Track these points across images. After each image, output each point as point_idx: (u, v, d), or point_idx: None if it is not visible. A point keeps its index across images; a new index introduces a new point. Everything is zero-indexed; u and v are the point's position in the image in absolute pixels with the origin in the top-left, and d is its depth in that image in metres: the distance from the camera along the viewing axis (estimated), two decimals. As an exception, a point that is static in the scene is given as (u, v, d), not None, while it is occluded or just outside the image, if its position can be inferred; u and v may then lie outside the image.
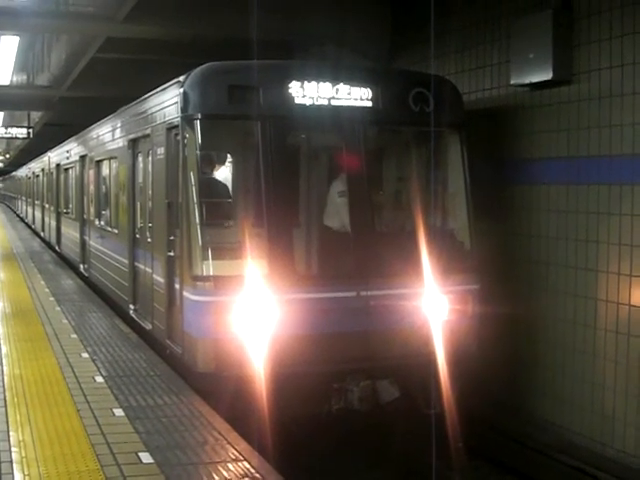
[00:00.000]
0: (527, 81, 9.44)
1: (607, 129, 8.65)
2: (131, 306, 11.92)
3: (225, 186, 9.56)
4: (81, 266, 18.32)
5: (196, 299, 8.35)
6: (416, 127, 9.26)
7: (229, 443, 6.68)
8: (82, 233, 18.27)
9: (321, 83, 8.74)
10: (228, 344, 8.08)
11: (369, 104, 8.91)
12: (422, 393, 8.63)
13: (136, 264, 11.72)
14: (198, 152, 8.47)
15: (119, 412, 7.51)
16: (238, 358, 8.00)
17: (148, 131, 10.61)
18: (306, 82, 8.67)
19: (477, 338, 9.13)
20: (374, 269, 8.62)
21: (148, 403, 7.84)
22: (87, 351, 10.13)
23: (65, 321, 12.29)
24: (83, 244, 18.15)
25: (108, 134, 14.60)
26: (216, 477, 5.92)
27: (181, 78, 8.81)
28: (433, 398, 8.39)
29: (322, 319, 8.39)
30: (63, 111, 25.19)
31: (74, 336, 11.11)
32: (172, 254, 9.28)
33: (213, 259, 8.28)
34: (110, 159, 14.47)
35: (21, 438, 6.69)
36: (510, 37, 9.81)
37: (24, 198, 44.93)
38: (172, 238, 9.29)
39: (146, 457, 6.28)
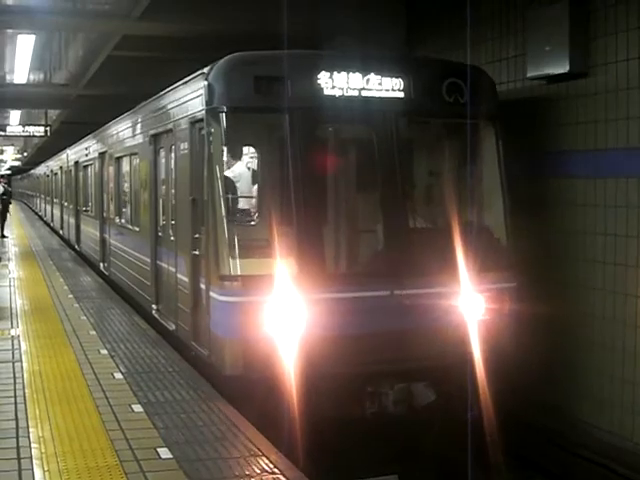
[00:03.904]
0: (544, 74, 9.37)
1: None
2: (153, 306, 11.65)
3: (252, 182, 9.33)
4: (101, 264, 18.13)
5: (224, 300, 8.04)
6: (450, 119, 8.92)
7: (247, 438, 6.70)
8: (102, 231, 18.05)
9: (351, 73, 8.41)
10: (257, 346, 7.76)
11: (401, 95, 8.58)
12: (458, 396, 8.23)
13: (158, 263, 11.45)
14: (224, 146, 8.21)
15: (138, 408, 7.54)
16: (267, 360, 7.68)
17: (170, 126, 10.35)
18: (335, 72, 8.36)
19: (514, 338, 8.74)
20: (408, 267, 8.28)
21: (167, 399, 7.87)
22: (106, 347, 10.18)
23: (84, 318, 12.35)
24: (103, 242, 17.93)
25: (128, 130, 14.42)
26: (234, 472, 5.94)
27: (205, 69, 8.53)
28: (470, 401, 8.03)
29: (354, 319, 8.05)
30: (80, 109, 25.28)
31: (93, 333, 11.17)
32: (197, 253, 9.01)
33: (241, 258, 7.95)
34: (130, 155, 14.21)
35: (41, 434, 6.73)
36: (526, 30, 9.75)
37: (42, 196, 45.04)
38: (197, 236, 9.03)
39: (165, 452, 6.31)
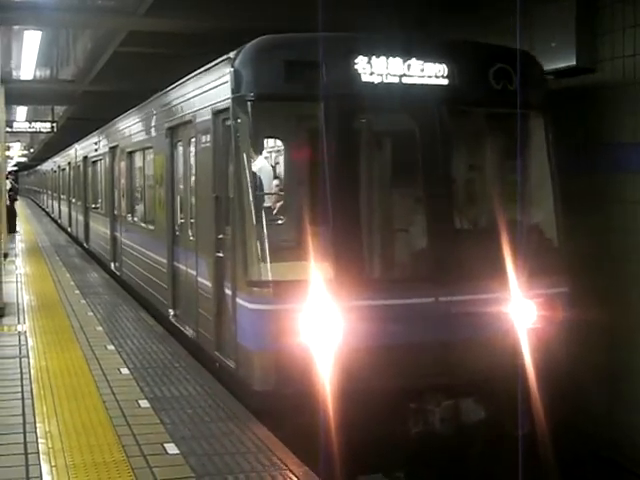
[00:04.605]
0: (551, 68, 9.33)
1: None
2: (170, 311, 10.89)
3: (283, 177, 8.79)
4: (112, 264, 17.29)
5: (253, 307, 7.31)
6: (498, 108, 8.17)
7: (254, 434, 6.71)
8: (113, 229, 17.27)
9: (391, 58, 7.67)
10: (290, 358, 7.02)
11: (445, 82, 7.84)
12: (509, 412, 7.46)
13: (176, 264, 10.70)
14: (252, 138, 7.56)
15: (145, 403, 7.56)
16: (302, 374, 6.97)
17: (189, 117, 9.62)
18: (374, 57, 7.60)
19: (567, 348, 8.01)
20: (454, 271, 7.54)
21: (173, 394, 7.88)
22: (113, 343, 10.21)
23: (90, 314, 12.38)
24: (114, 241, 17.14)
25: (141, 123, 13.80)
26: (241, 467, 5.94)
27: (231, 54, 7.80)
28: (522, 417, 7.35)
29: (396, 329, 7.36)
30: (86, 105, 25.32)
31: (99, 328, 11.20)
32: (221, 255, 8.28)
33: (272, 261, 7.24)
34: (144, 150, 13.49)
35: (48, 430, 6.76)
36: (533, 25, 9.71)
37: (49, 192, 44.87)
38: (221, 237, 8.29)
39: (171, 448, 6.33)
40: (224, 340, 8.23)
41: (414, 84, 7.76)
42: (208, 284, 8.74)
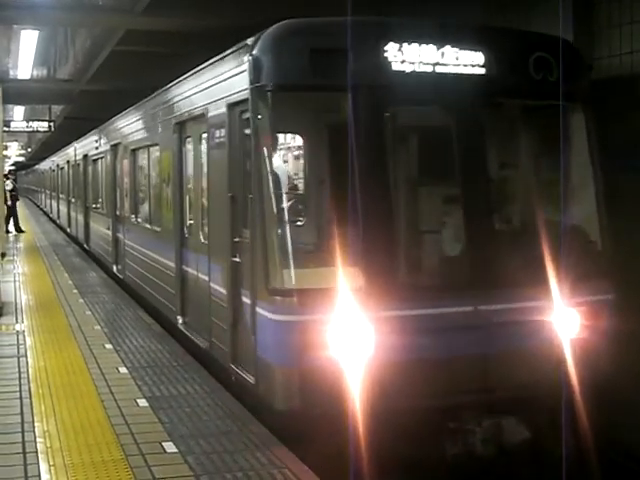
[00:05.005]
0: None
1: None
2: (179, 318, 10.21)
3: (308, 175, 8.26)
4: (114, 267, 16.58)
5: (275, 318, 6.64)
6: (539, 100, 7.60)
7: (252, 432, 6.71)
8: (115, 230, 16.50)
9: (424, 45, 7.05)
10: (317, 374, 6.39)
11: (482, 71, 7.22)
12: (554, 431, 6.81)
13: (185, 268, 10.06)
14: (274, 133, 6.97)
15: (143, 402, 7.56)
16: (330, 392, 6.34)
17: (201, 111, 8.93)
18: (406, 44, 6.98)
19: (614, 359, 7.38)
20: (494, 278, 6.94)
21: (171, 393, 7.88)
22: (111, 342, 10.19)
23: (88, 313, 12.37)
24: (116, 242, 16.39)
25: (147, 118, 13.02)
26: (240, 465, 5.94)
27: (249, 41, 7.17)
28: (567, 435, 6.70)
29: (432, 340, 6.75)
30: (84, 104, 25.34)
31: (97, 328, 11.19)
32: (238, 260, 7.62)
33: (296, 267, 6.63)
34: (149, 147, 12.79)
35: (46, 429, 6.75)
36: (530, 22, 9.72)
37: (48, 192, 44.67)
38: (237, 240, 7.63)
39: (170, 446, 6.33)
40: (241, 352, 7.59)
41: (448, 74, 7.13)
42: (222, 291, 8.10)
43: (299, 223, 7.77)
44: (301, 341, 6.43)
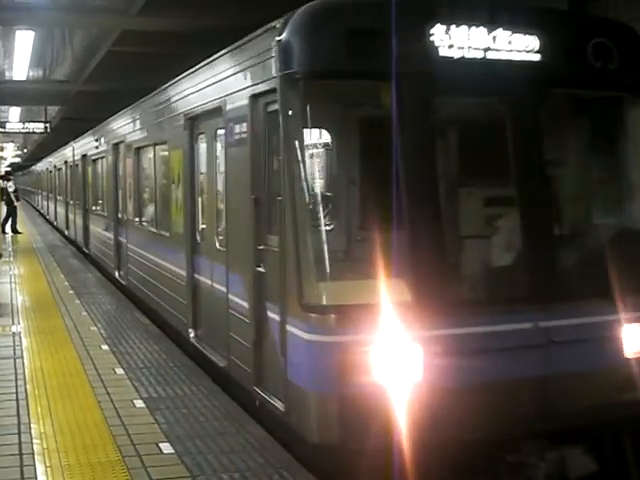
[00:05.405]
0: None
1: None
2: (191, 331, 9.41)
3: (348, 175, 7.42)
4: (116, 273, 15.80)
5: (310, 338, 5.86)
6: (599, 90, 6.90)
7: (249, 433, 6.69)
8: (117, 234, 15.71)
9: (473, 28, 6.29)
10: (359, 403, 5.65)
11: (537, 58, 6.48)
12: (625, 463, 6.27)
13: (197, 277, 9.27)
14: (307, 127, 6.19)
15: (139, 403, 7.53)
16: (373, 423, 5.60)
17: (217, 104, 8.15)
18: (453, 27, 6.23)
19: None
20: (557, 289, 6.22)
21: (168, 394, 7.86)
22: (107, 343, 10.17)
23: (84, 314, 12.35)
24: (118, 247, 15.65)
25: (153, 114, 12.17)
26: (236, 466, 5.92)
27: (276, 23, 6.42)
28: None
29: (489, 363, 6.00)
30: (80, 105, 25.35)
31: (94, 328, 11.16)
32: (262, 270, 6.85)
33: (335, 280, 5.89)
34: (156, 145, 11.99)
35: (42, 430, 6.73)
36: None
37: (44, 193, 44.39)
38: (262, 247, 6.86)
39: (167, 447, 6.31)
40: (267, 374, 6.84)
41: (501, 60, 6.40)
42: (244, 304, 7.31)
43: (340, 230, 6.93)
44: (340, 365, 5.68)
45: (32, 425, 6.87)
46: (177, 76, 9.99)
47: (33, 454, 6.16)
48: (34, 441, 6.46)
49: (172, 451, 6.22)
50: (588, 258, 6.69)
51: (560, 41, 6.61)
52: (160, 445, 6.36)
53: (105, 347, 9.95)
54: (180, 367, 8.95)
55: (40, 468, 5.88)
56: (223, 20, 12.95)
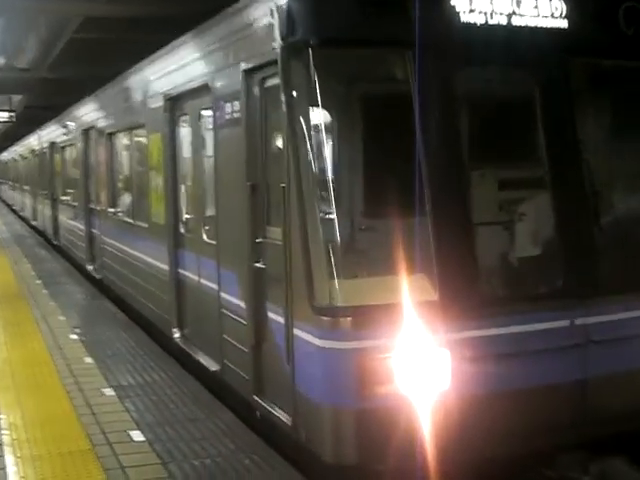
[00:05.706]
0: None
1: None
2: (175, 330, 8.79)
3: (362, 158, 6.48)
4: (89, 266, 15.10)
5: (322, 345, 5.19)
6: (631, 60, 6.24)
7: (219, 418, 6.71)
8: (89, 225, 15.03)
9: None
10: (379, 417, 5.07)
11: (564, 24, 5.87)
12: None
13: (182, 272, 8.63)
14: (316, 104, 5.36)
15: (109, 392, 7.53)
16: (396, 440, 5.01)
17: (202, 81, 7.45)
18: None
19: None
20: (596, 284, 5.66)
21: (137, 382, 7.85)
22: (75, 332, 10.13)
23: (52, 303, 12.28)
24: (90, 238, 15.01)
25: (127, 97, 11.38)
26: (207, 452, 5.94)
27: None
28: None
29: (519, 367, 5.45)
30: (44, 93, 25.01)
31: (62, 318, 11.11)
32: (262, 266, 6.23)
33: (350, 277, 5.31)
34: (131, 129, 11.27)
35: (12, 421, 6.70)
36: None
37: (10, 183, 43.88)
38: (260, 240, 6.23)
39: (137, 435, 6.31)
40: (270, 383, 6.25)
41: (526, 27, 5.78)
42: (240, 304, 6.68)
43: (355, 220, 6.25)
44: (357, 374, 5.08)
45: (1, 416, 6.84)
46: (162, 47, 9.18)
47: (2, 445, 6.13)
48: (3, 432, 6.43)
49: (143, 439, 6.23)
50: (629, 247, 6.11)
51: (589, 6, 6.04)
52: (130, 433, 6.36)
53: (74, 336, 9.91)
54: (149, 354, 8.94)
55: (10, 459, 5.85)
56: (192, 6, 12.85)
